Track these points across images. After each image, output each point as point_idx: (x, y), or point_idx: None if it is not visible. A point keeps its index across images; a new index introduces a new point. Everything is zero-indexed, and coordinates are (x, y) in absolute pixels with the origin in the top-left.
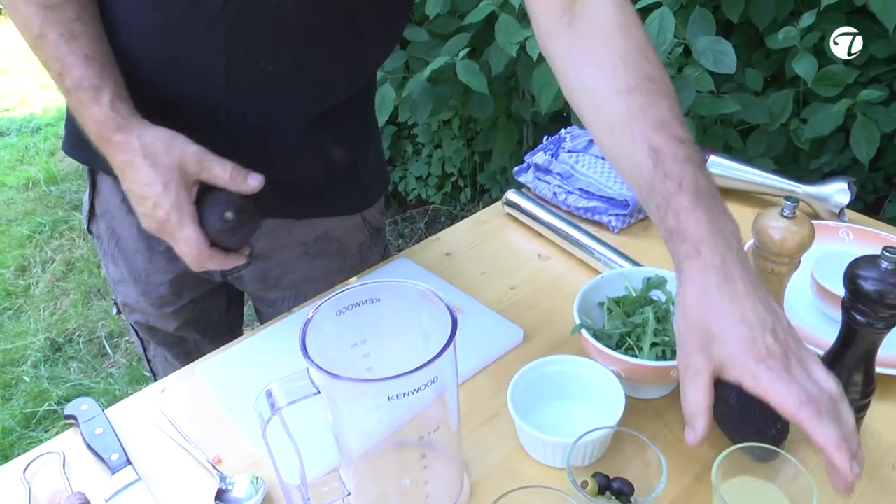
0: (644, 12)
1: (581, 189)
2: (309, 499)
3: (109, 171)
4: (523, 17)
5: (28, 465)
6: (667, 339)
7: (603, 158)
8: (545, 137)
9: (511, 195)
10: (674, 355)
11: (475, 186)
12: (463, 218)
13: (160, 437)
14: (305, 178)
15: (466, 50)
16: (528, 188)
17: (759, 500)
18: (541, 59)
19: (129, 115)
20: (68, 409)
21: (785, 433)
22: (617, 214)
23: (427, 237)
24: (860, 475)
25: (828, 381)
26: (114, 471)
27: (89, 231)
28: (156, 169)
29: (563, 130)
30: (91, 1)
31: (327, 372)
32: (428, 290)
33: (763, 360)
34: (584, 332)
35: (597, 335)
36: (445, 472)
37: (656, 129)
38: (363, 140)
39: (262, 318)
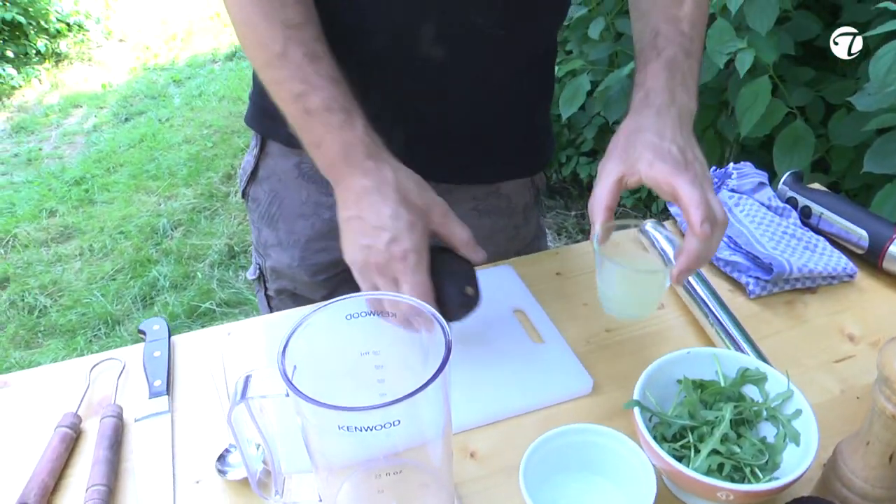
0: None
1: (730, 237)
2: (278, 492)
3: (295, 144)
4: (739, 27)
5: (96, 364)
6: (736, 451)
7: (767, 207)
8: (713, 168)
9: (649, 226)
10: (734, 472)
11: None
12: None
13: (207, 378)
14: (491, 137)
15: None
16: (675, 220)
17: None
18: (748, 75)
19: (381, 145)
20: (143, 324)
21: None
22: (757, 279)
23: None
24: (696, 264)
25: (721, 204)
26: (151, 395)
27: (244, 194)
28: (406, 206)
29: (730, 165)
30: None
31: (287, 379)
32: (436, 319)
33: (660, 155)
34: (636, 413)
35: (659, 420)
36: None
37: (666, 20)
38: (542, 101)
39: None
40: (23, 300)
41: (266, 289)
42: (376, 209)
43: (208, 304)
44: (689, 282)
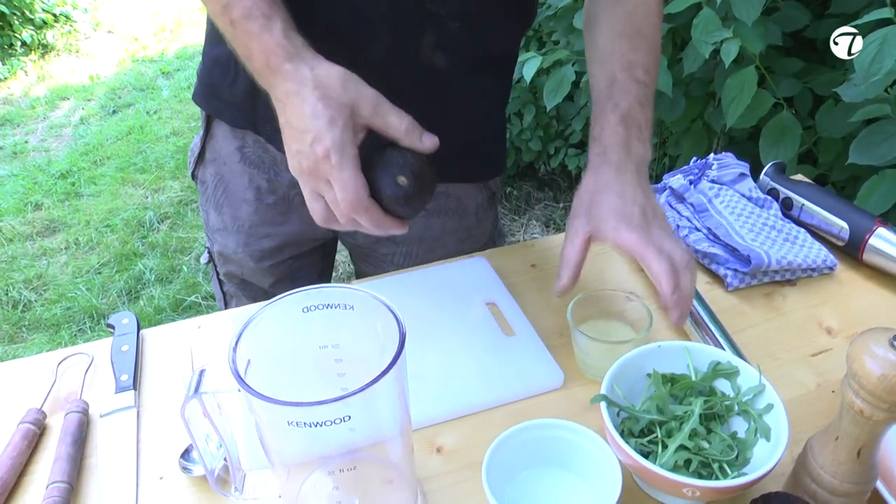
0: (866, 28)
1: (709, 229)
2: (237, 489)
3: (238, 124)
4: (725, 17)
5: (63, 359)
6: (704, 446)
7: (748, 198)
8: (693, 159)
9: None
10: (702, 467)
11: None
12: None
13: (175, 372)
14: (447, 137)
15: None
16: None
17: (608, 332)
18: (735, 65)
19: (301, 46)
20: (112, 318)
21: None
22: (735, 271)
23: None
24: (685, 309)
25: (681, 248)
26: (118, 390)
27: (193, 176)
28: (325, 102)
29: (711, 156)
30: None
31: (237, 374)
32: (392, 312)
33: (625, 220)
34: (603, 407)
35: (627, 415)
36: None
37: (623, 68)
38: (501, 105)
39: (364, 277)
40: (7, 294)
41: (218, 273)
42: (299, 111)
43: (194, 298)
44: None
